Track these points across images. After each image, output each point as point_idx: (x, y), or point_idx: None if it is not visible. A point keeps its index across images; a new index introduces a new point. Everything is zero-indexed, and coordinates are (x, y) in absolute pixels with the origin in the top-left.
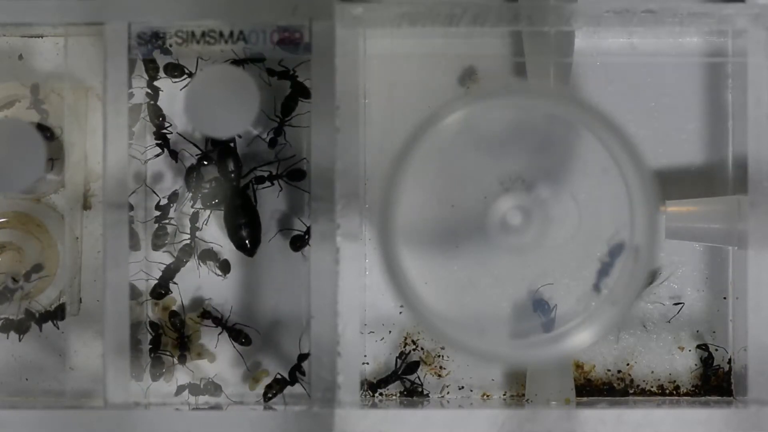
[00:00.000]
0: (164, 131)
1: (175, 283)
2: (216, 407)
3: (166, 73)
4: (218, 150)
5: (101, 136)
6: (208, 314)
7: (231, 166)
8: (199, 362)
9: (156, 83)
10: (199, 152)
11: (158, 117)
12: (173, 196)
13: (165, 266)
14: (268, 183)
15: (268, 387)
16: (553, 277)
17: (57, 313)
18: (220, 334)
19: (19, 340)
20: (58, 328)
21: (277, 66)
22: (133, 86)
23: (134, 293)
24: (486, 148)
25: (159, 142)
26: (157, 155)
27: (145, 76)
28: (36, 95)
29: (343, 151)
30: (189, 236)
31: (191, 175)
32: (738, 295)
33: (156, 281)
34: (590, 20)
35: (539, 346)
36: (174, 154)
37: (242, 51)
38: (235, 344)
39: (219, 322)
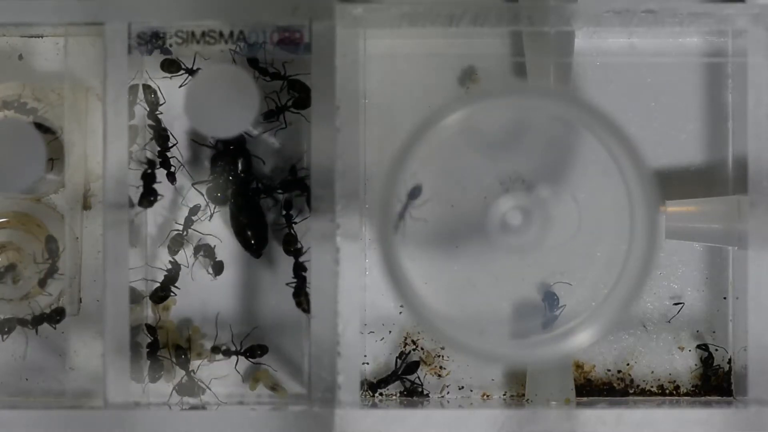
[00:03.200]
0: (168, 154)
1: (177, 287)
2: (208, 407)
3: (163, 69)
4: (230, 149)
5: (101, 136)
6: (217, 349)
7: (241, 166)
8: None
9: (158, 113)
10: (213, 147)
11: (163, 140)
12: (194, 209)
13: (166, 272)
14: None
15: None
16: (553, 278)
17: (53, 317)
18: (236, 363)
19: (2, 340)
20: (54, 329)
21: (271, 66)
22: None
23: (134, 297)
24: (486, 148)
25: (161, 159)
26: (157, 169)
27: (146, 107)
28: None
29: (343, 151)
30: (183, 226)
31: (216, 163)
32: (738, 295)
33: (157, 284)
34: (590, 20)
35: (539, 346)
36: (172, 177)
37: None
38: (253, 360)
39: (231, 353)
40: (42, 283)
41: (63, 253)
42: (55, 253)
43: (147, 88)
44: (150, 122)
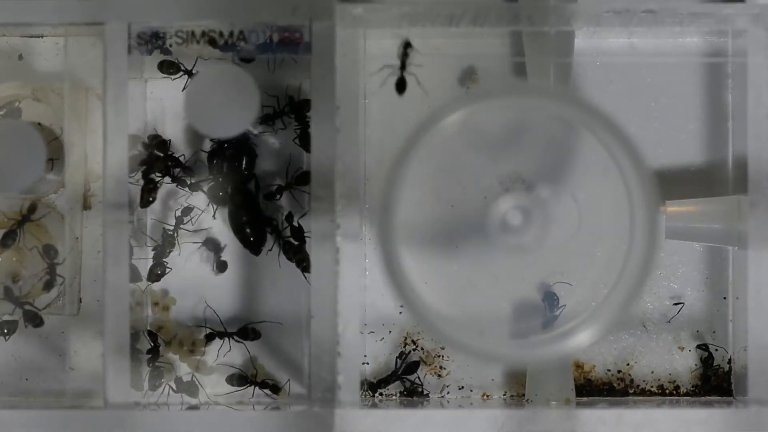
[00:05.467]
0: (186, 178)
1: (168, 268)
2: (208, 407)
3: (161, 70)
4: (233, 146)
5: (101, 136)
6: (212, 336)
7: (244, 164)
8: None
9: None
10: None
11: (183, 172)
12: (187, 210)
13: (153, 249)
14: (278, 195)
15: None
16: (553, 278)
17: (36, 316)
18: (230, 347)
19: (6, 340)
20: (34, 327)
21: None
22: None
23: (134, 275)
24: (486, 148)
25: (176, 182)
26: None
27: (159, 153)
28: None
29: (343, 151)
30: (174, 226)
31: (213, 161)
32: (738, 295)
33: (152, 263)
34: (590, 20)
35: (539, 346)
36: (196, 186)
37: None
38: (247, 343)
39: (223, 334)
40: (48, 286)
41: (62, 256)
42: (54, 258)
43: (154, 138)
44: (163, 172)
